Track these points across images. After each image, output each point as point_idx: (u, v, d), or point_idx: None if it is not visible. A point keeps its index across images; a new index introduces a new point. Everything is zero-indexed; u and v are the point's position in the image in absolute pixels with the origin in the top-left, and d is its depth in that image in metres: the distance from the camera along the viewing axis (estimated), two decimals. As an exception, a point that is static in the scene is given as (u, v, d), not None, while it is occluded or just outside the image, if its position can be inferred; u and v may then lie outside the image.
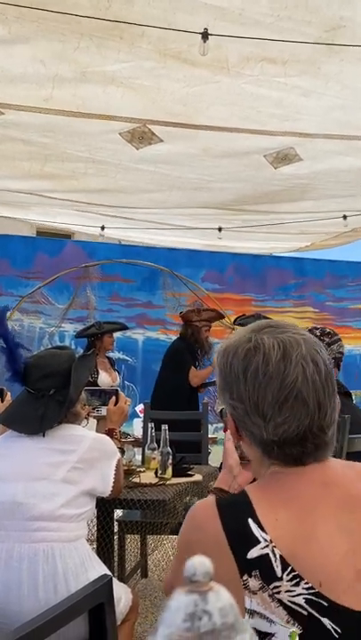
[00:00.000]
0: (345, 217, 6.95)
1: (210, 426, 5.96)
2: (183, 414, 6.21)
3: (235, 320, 5.91)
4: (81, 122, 4.50)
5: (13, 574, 2.46)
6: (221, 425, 7.26)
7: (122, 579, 3.95)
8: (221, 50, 3.57)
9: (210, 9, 3.26)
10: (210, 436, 5.66)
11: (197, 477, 3.80)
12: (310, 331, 3.23)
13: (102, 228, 7.91)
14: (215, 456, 5.94)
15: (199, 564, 0.60)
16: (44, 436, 2.68)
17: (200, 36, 3.36)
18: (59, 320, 7.95)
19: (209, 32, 3.35)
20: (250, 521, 1.22)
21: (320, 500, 1.27)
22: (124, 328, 7.07)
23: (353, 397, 5.27)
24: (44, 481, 2.59)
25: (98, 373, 6.19)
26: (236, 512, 1.25)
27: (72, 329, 7.90)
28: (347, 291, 8.81)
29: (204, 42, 3.37)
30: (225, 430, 1.79)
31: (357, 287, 8.85)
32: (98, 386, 5.75)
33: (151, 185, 5.95)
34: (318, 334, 3.67)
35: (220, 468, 1.84)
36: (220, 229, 7.68)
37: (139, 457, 4.36)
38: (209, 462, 5.03)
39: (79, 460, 2.66)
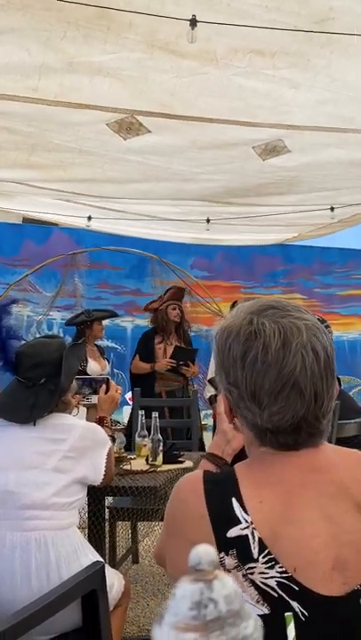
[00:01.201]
0: (332, 209, 6.92)
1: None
2: (174, 401, 6.25)
3: (232, 305, 5.93)
4: (68, 112, 4.45)
5: (6, 563, 2.47)
6: (210, 411, 7.29)
7: (113, 565, 3.98)
8: (210, 42, 3.53)
9: (198, -1, 3.23)
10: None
11: (188, 464, 3.83)
12: None
13: (89, 218, 7.86)
14: (206, 441, 5.97)
15: (204, 552, 0.61)
16: (34, 425, 2.69)
17: (188, 23, 3.32)
18: (46, 308, 7.89)
19: (197, 20, 3.33)
20: (233, 500, 1.23)
21: (307, 485, 1.26)
22: (113, 315, 7.06)
23: (341, 383, 5.32)
24: (36, 470, 2.60)
25: (87, 362, 6.18)
26: (220, 490, 1.26)
27: (60, 317, 7.85)
28: (335, 277, 8.77)
29: (192, 29, 3.34)
30: (214, 417, 1.79)
31: (345, 274, 8.83)
32: (87, 374, 5.75)
33: (139, 176, 5.90)
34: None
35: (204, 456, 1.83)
36: (208, 220, 7.67)
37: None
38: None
39: (70, 449, 2.67)
